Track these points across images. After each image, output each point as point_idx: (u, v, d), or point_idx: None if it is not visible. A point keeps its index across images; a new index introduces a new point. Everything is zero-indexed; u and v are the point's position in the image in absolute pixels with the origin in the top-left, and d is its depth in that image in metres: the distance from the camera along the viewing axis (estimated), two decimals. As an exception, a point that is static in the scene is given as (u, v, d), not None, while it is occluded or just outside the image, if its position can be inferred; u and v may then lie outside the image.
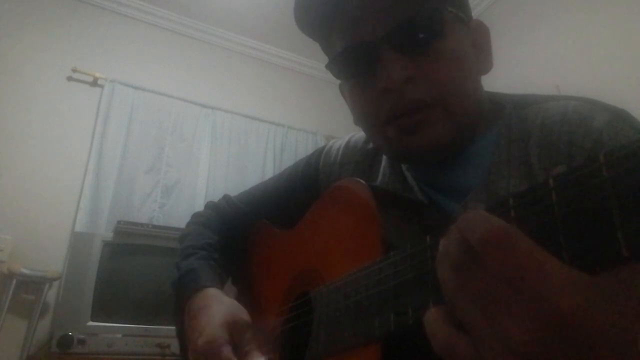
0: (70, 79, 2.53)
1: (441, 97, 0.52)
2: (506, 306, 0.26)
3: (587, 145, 0.48)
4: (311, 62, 3.20)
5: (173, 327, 0.73)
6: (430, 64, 0.52)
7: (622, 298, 0.24)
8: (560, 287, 0.24)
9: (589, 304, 0.24)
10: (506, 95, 0.62)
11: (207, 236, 0.76)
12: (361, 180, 0.52)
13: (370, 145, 0.72)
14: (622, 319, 0.24)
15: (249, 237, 0.81)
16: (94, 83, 2.58)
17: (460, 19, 0.56)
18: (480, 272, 0.27)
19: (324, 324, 0.49)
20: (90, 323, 1.81)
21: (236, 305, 0.62)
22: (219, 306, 0.61)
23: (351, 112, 0.65)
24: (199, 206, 0.86)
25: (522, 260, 0.25)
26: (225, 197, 0.86)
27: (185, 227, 0.82)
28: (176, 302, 0.68)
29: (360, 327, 0.42)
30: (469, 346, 0.27)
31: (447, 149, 0.54)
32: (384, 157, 0.69)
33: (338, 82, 0.66)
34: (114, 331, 1.84)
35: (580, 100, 0.53)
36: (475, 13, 2.70)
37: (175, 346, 1.92)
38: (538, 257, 0.25)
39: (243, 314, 0.61)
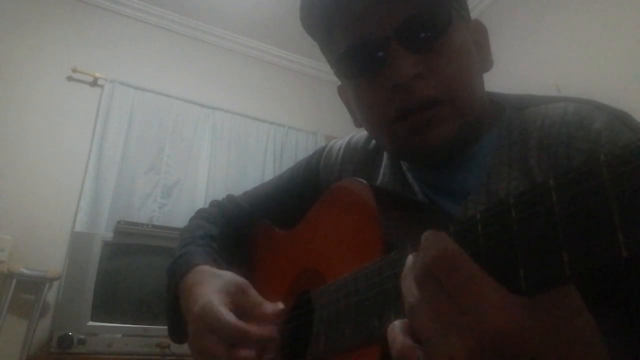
0: (70, 79, 2.53)
1: (449, 93, 0.52)
2: (451, 322, 0.28)
3: (585, 147, 0.48)
4: (311, 62, 3.20)
5: (173, 327, 0.73)
6: (438, 61, 0.52)
7: (551, 319, 0.27)
8: (497, 308, 0.27)
9: (521, 324, 0.27)
10: (505, 95, 0.62)
11: (207, 228, 0.76)
12: (362, 180, 0.52)
13: (371, 145, 0.72)
14: (551, 339, 0.27)
15: (250, 237, 0.81)
16: (94, 83, 2.58)
17: (462, 17, 0.56)
18: (434, 289, 0.30)
19: (325, 324, 0.49)
20: (90, 323, 1.81)
21: (232, 274, 0.59)
22: (213, 278, 0.58)
23: (352, 113, 0.65)
24: (199, 206, 0.86)
25: (465, 281, 0.28)
26: (229, 197, 0.86)
27: (188, 222, 0.82)
28: (169, 284, 0.65)
29: (361, 327, 0.42)
30: (422, 358, 0.30)
31: (455, 147, 0.54)
32: (385, 157, 0.69)
33: (338, 82, 0.66)
34: (114, 331, 1.84)
35: (580, 102, 0.53)
36: (475, 13, 2.67)
37: (175, 346, 1.92)
38: (478, 279, 0.28)
39: (239, 279, 0.58)
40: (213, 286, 0.56)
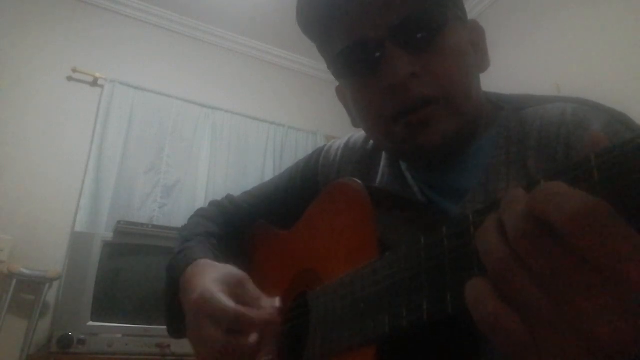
0: (70, 79, 2.53)
1: (445, 92, 0.52)
2: (589, 292, 0.22)
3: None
4: (311, 62, 3.20)
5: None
6: (434, 60, 0.52)
7: None
8: None
9: None
10: (504, 95, 0.62)
11: (206, 226, 0.76)
12: (357, 180, 0.52)
13: (370, 145, 0.72)
14: None
15: (249, 237, 0.81)
16: (94, 83, 2.58)
17: (459, 17, 0.56)
18: (554, 250, 0.23)
19: (321, 325, 0.49)
20: (90, 323, 1.81)
21: (231, 266, 0.60)
22: (213, 269, 0.59)
23: (350, 113, 0.65)
24: (199, 206, 0.87)
25: (620, 247, 0.22)
26: (228, 197, 0.86)
27: (188, 220, 0.82)
28: (168, 280, 0.66)
29: (356, 328, 0.42)
30: (524, 328, 0.25)
31: (452, 146, 0.54)
32: (383, 157, 0.69)
33: (338, 82, 0.66)
34: (114, 331, 1.84)
35: (578, 103, 0.53)
36: (475, 13, 2.67)
37: (175, 346, 1.92)
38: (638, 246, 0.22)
39: (239, 272, 0.59)
40: (212, 276, 0.56)
